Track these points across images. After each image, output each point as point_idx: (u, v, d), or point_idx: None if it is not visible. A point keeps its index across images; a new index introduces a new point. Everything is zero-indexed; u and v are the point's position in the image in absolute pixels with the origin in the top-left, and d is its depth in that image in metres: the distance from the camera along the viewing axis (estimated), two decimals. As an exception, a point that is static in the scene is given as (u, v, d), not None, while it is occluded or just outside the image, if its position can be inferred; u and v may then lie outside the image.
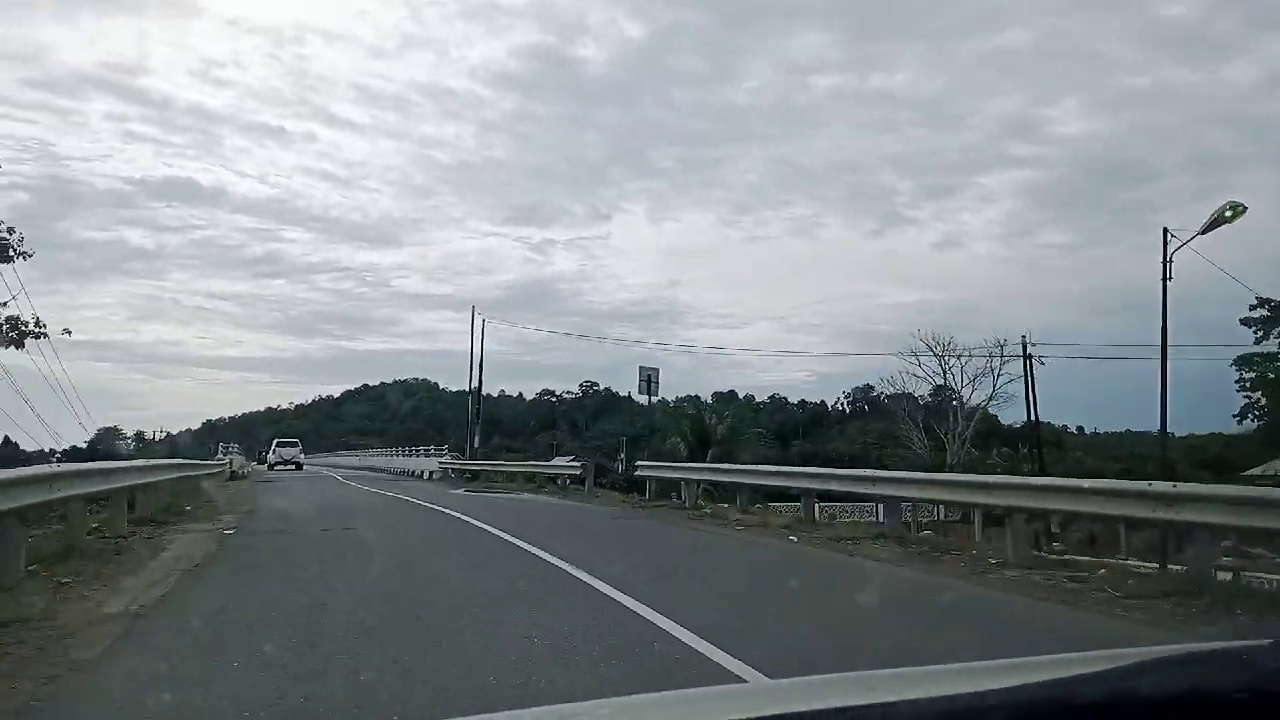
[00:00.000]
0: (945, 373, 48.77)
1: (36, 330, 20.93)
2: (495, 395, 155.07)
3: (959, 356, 48.89)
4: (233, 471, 31.19)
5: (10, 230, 20.30)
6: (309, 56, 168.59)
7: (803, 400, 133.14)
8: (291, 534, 11.94)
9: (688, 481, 17.31)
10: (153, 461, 14.63)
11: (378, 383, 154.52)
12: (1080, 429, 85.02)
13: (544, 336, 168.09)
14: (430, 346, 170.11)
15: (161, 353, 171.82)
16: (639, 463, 19.98)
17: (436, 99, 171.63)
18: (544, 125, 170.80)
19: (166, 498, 16.40)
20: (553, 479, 25.42)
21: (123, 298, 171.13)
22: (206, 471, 25.23)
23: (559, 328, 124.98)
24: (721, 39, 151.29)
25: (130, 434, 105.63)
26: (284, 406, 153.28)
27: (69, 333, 21.91)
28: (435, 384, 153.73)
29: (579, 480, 23.08)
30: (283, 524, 13.54)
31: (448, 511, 15.20)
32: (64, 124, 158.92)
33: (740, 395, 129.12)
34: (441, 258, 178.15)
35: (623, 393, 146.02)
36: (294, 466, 46.13)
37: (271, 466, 45.64)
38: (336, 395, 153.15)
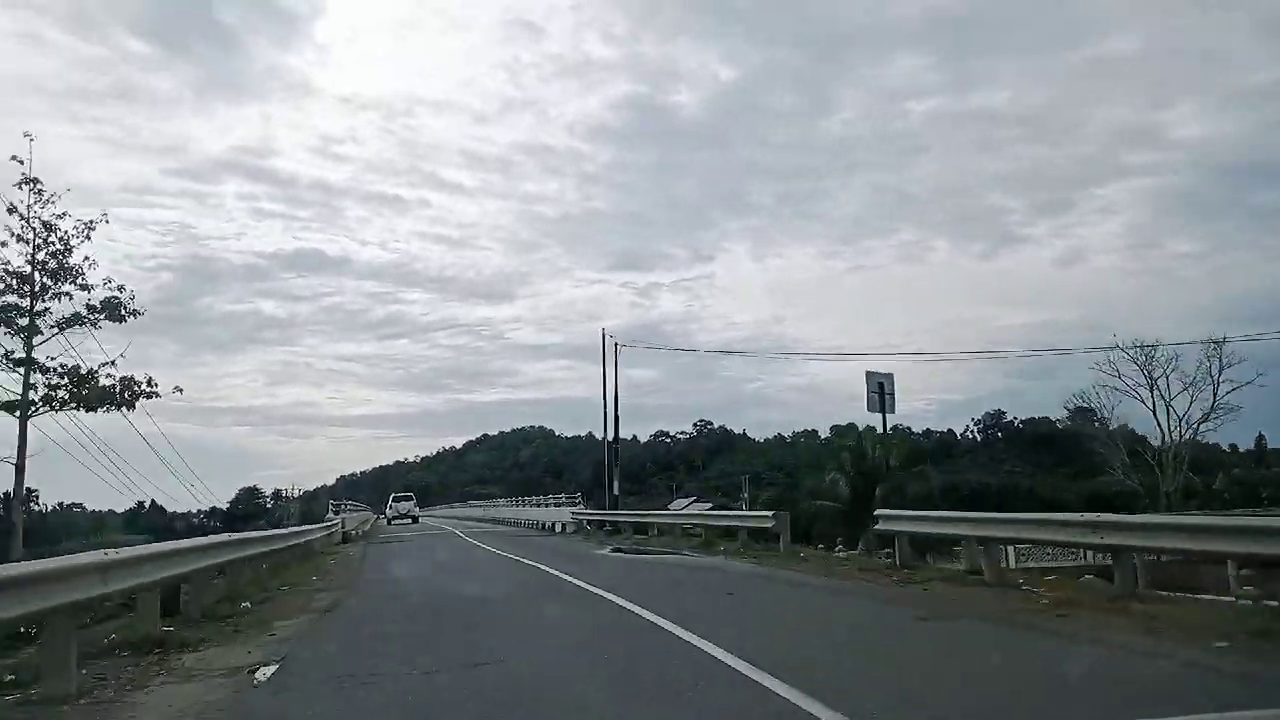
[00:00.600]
0: (1152, 384, 39.88)
1: (148, 390, 18.49)
2: (611, 439, 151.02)
3: (1165, 363, 39.97)
4: (345, 533, 26.47)
5: (120, 288, 18.73)
6: (418, 127, 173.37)
7: (928, 429, 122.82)
8: (374, 683, 6.08)
9: (985, 542, 10.65)
10: (180, 545, 9.25)
11: (496, 432, 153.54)
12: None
13: (652, 379, 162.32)
14: (545, 395, 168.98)
15: (297, 414, 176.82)
16: (881, 512, 13.39)
17: (538, 157, 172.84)
18: (642, 173, 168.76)
19: (223, 588, 11.20)
20: (728, 533, 19.11)
21: (260, 365, 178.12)
22: (309, 538, 20.36)
23: (669, 368, 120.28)
24: (814, 73, 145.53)
25: (269, 493, 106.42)
26: (411, 459, 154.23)
27: (180, 390, 19.53)
28: (551, 431, 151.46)
29: (770, 536, 16.70)
30: (369, 643, 7.80)
31: (631, 608, 9.07)
32: (202, 207, 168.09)
33: (860, 427, 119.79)
34: (551, 307, 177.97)
35: (738, 430, 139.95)
36: (411, 520, 46.82)
37: (390, 521, 46.25)
38: (459, 446, 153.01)
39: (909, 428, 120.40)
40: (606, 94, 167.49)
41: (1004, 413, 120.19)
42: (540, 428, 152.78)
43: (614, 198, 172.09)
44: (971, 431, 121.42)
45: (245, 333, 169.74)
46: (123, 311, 18.65)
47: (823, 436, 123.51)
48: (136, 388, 18.66)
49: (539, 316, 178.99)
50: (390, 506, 49.54)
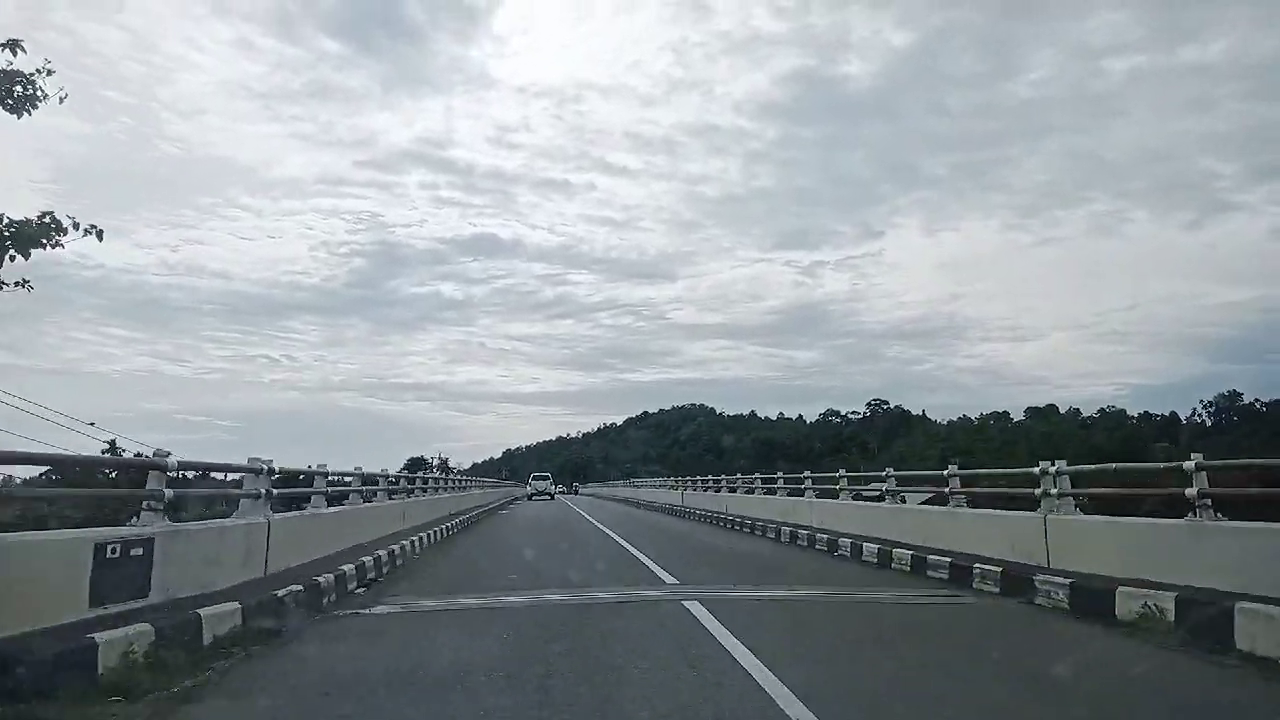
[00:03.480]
0: None
1: (54, 237, 8.51)
2: (774, 418, 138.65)
3: None
4: (367, 563, 9.14)
5: (13, 45, 8.42)
6: (587, 112, 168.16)
7: (1146, 412, 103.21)
8: None
9: None
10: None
11: (656, 410, 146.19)
12: None
13: (812, 359, 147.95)
14: (704, 375, 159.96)
15: (471, 391, 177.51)
16: None
17: (703, 136, 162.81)
18: (809, 149, 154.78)
19: None
20: None
21: (440, 344, 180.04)
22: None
23: (832, 350, 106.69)
24: (999, 32, 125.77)
25: (434, 462, 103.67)
26: (573, 435, 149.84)
27: (98, 234, 8.79)
28: (711, 409, 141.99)
29: None
30: None
31: None
32: (389, 196, 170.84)
33: (1062, 409, 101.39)
34: (712, 288, 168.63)
35: (915, 411, 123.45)
36: (548, 497, 48.16)
37: (530, 498, 46.84)
38: (619, 423, 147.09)
39: (1123, 409, 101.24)
40: (774, 69, 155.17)
41: (1240, 393, 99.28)
42: (701, 405, 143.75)
43: (779, 175, 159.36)
44: (1200, 414, 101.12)
45: (426, 313, 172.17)
46: (17, 91, 8.57)
47: (1014, 419, 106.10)
48: (52, 232, 8.63)
49: (699, 297, 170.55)
50: (530, 484, 52.43)
